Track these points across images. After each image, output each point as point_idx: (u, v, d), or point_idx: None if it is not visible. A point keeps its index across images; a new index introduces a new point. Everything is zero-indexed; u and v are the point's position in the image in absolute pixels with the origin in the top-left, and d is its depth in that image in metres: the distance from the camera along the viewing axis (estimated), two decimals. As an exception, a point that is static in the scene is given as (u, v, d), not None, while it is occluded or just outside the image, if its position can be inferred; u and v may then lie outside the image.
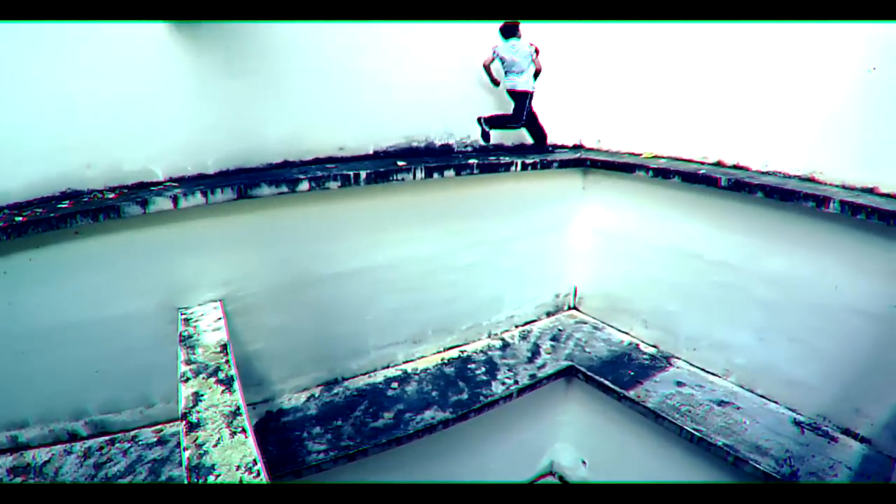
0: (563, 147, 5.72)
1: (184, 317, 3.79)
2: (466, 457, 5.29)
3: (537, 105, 5.28)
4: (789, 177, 4.55)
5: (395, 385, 4.91)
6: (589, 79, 5.86)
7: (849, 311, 4.33)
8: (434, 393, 4.82)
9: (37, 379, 3.65)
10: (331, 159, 4.81)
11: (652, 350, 5.53)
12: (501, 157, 5.05)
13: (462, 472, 5.30)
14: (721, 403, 4.91)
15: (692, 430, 4.60)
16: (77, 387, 3.79)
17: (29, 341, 3.55)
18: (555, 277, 5.92)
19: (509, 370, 5.17)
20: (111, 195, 3.72)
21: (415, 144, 5.04)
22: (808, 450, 4.49)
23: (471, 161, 4.83)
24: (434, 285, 5.04)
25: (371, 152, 4.88)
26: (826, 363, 4.54)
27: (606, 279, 5.77)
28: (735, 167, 4.78)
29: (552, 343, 5.60)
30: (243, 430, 2.43)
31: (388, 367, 5.08)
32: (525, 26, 4.91)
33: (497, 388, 4.92)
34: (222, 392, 2.75)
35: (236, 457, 2.21)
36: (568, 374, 5.32)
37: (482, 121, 5.14)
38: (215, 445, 2.30)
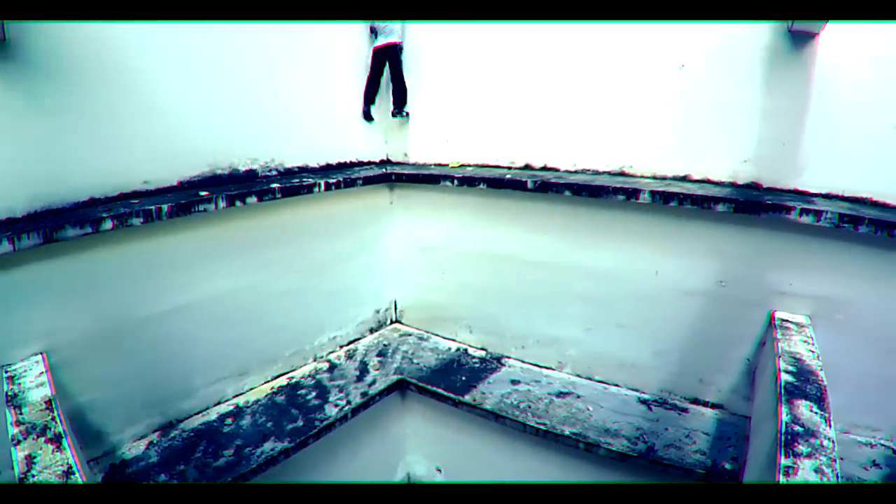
0: (369, 164, 5.56)
1: (8, 374, 3.50)
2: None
3: (337, 124, 5.13)
4: (599, 173, 4.67)
5: (229, 421, 4.66)
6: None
7: (674, 293, 4.49)
8: (269, 424, 4.63)
9: None
10: (136, 194, 4.36)
11: (481, 353, 5.57)
12: (304, 179, 4.84)
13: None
14: (560, 395, 4.93)
15: (536, 425, 4.56)
16: None
17: None
18: (373, 294, 5.80)
19: (340, 391, 5.03)
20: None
21: (219, 172, 4.65)
22: (660, 424, 4.60)
23: (273, 185, 4.58)
24: (253, 316, 4.80)
25: (176, 183, 4.47)
26: (659, 343, 4.70)
27: (425, 289, 5.71)
28: (544, 169, 4.84)
29: (379, 359, 5.51)
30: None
31: (219, 403, 4.81)
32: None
33: (331, 411, 4.79)
34: (53, 451, 2.70)
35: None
36: (399, 387, 5.26)
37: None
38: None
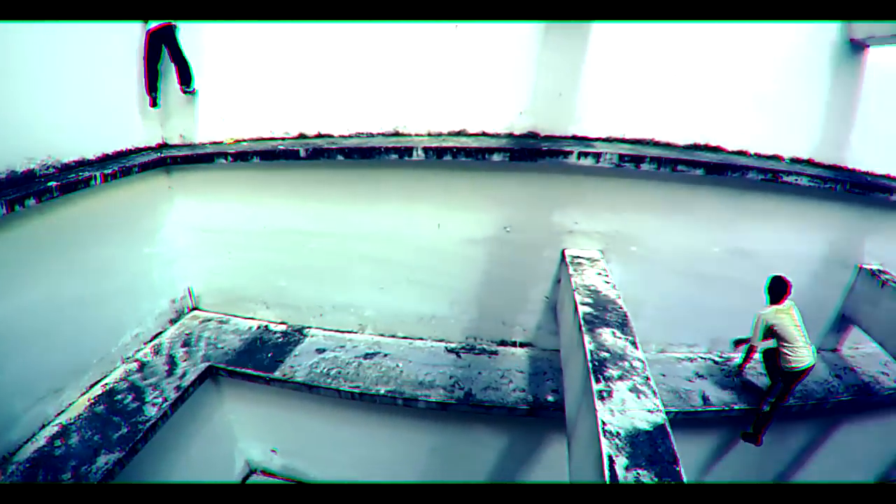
0: (147, 150, 5.15)
1: None
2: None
3: (112, 113, 4.80)
4: (374, 135, 4.54)
5: (58, 443, 4.37)
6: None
7: (460, 243, 4.50)
8: (96, 437, 4.37)
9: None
10: None
11: (282, 328, 5.43)
12: (81, 173, 4.46)
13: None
14: (367, 356, 4.89)
15: (350, 389, 4.49)
16: None
17: None
18: (166, 284, 5.39)
19: (155, 389, 4.80)
20: None
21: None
22: (472, 370, 4.67)
23: (52, 184, 4.20)
24: (52, 328, 4.40)
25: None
26: (454, 292, 4.74)
27: (216, 272, 5.40)
28: (319, 136, 4.64)
29: (185, 349, 5.26)
30: None
31: (44, 426, 4.48)
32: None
33: (151, 412, 4.57)
34: None
35: None
36: (210, 374, 5.04)
37: None
38: None
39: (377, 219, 4.52)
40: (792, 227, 4.85)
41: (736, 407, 4.83)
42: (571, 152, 4.19)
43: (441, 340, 4.93)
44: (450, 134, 4.39)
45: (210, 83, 4.97)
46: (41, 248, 4.26)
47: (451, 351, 4.89)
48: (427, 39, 4.30)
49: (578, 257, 4.49)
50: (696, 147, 4.77)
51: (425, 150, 4.12)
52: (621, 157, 4.26)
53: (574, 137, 4.50)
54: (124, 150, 4.96)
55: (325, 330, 5.26)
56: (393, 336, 5.04)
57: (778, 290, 4.30)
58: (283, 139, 4.75)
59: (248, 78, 4.77)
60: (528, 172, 4.28)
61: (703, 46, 4.57)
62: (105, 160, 4.80)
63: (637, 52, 4.37)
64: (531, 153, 4.18)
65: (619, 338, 3.43)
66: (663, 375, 4.96)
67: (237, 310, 5.59)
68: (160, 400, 4.70)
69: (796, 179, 4.63)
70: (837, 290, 5.52)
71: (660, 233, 4.60)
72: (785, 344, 4.33)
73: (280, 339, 5.28)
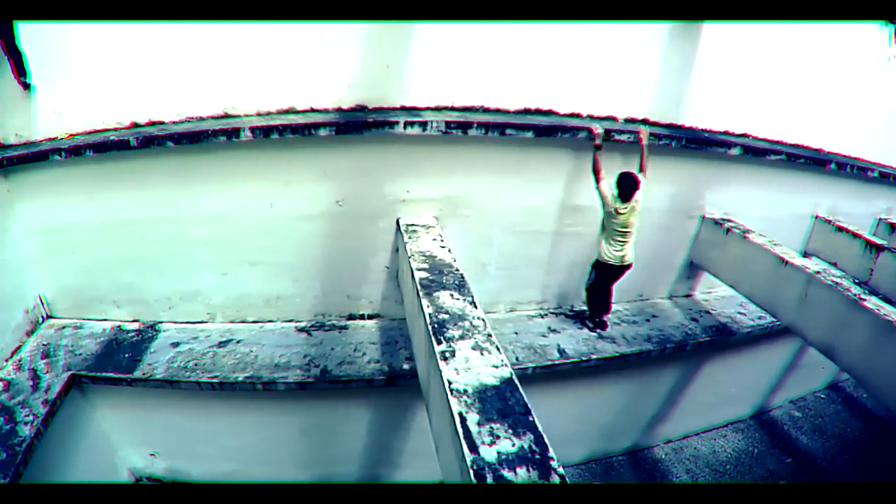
0: None
1: None
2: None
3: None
4: (204, 119, 4.51)
5: None
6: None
7: (294, 221, 4.50)
8: None
9: None
10: None
11: (135, 325, 5.33)
12: None
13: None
14: (221, 345, 4.86)
15: (209, 380, 4.45)
16: None
17: None
18: (15, 294, 5.09)
19: (24, 407, 4.60)
20: None
21: None
22: (325, 346, 4.70)
23: None
24: None
25: None
26: (295, 270, 4.75)
27: (64, 275, 5.16)
28: (151, 124, 4.59)
29: (45, 361, 5.09)
30: None
31: None
32: None
33: (25, 431, 4.34)
34: None
35: None
36: (74, 383, 4.96)
37: None
38: None
39: (212, 203, 4.50)
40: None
41: (595, 357, 5.01)
42: (397, 122, 4.27)
43: (291, 321, 4.95)
44: (279, 112, 4.40)
45: (45, 75, 4.81)
46: None
47: (301, 330, 4.91)
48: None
49: (413, 225, 4.57)
50: (527, 111, 4.92)
51: (252, 129, 4.11)
52: (447, 124, 4.36)
53: (403, 108, 4.57)
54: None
55: (176, 323, 5.19)
56: (243, 321, 5.02)
57: (624, 186, 4.48)
58: (115, 130, 4.66)
59: (81, 67, 4.61)
60: (357, 145, 4.32)
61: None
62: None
63: (462, 21, 4.46)
64: (357, 125, 4.24)
65: (458, 299, 3.50)
66: (516, 333, 5.11)
67: (90, 312, 5.45)
68: (31, 418, 4.49)
69: (629, 137, 4.82)
70: (685, 239, 5.80)
71: (494, 195, 4.73)
72: (608, 235, 4.64)
73: (135, 338, 5.18)
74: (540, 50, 4.80)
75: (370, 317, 4.89)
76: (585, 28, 4.87)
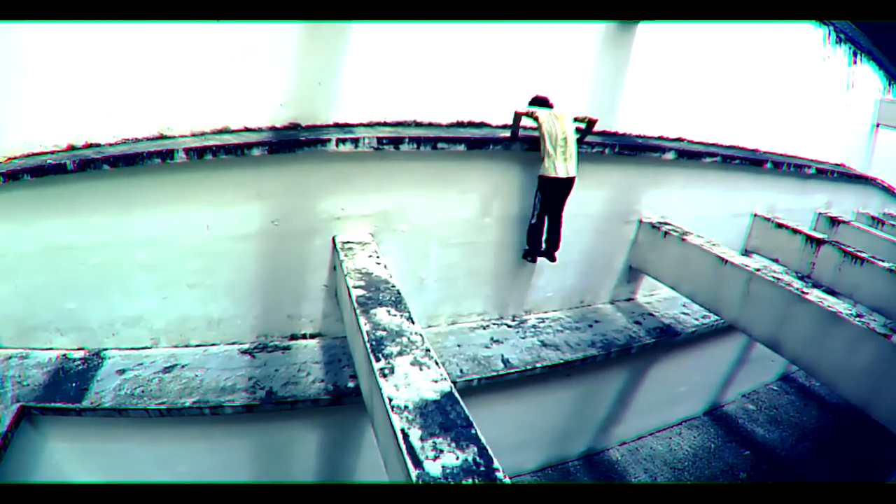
0: None
1: None
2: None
3: None
4: (140, 140, 4.49)
5: None
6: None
7: (231, 241, 4.48)
8: None
9: None
10: None
11: (80, 353, 5.27)
12: None
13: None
14: (166, 370, 4.83)
15: (157, 407, 4.42)
16: None
17: None
18: None
19: None
20: None
21: None
22: (269, 368, 4.70)
23: None
24: None
25: None
26: (234, 292, 4.74)
27: (6, 303, 5.07)
28: (88, 146, 4.54)
29: None
30: None
31: None
32: None
33: None
34: None
35: None
36: (24, 415, 4.90)
37: None
38: None
39: (149, 226, 4.47)
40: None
41: (539, 365, 5.08)
42: (329, 140, 4.31)
43: (234, 343, 4.93)
44: (213, 132, 4.41)
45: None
46: None
47: (245, 352, 4.90)
48: (188, 38, 4.27)
49: (349, 242, 4.61)
50: (460, 124, 5.01)
51: (186, 151, 4.12)
52: (379, 139, 4.42)
53: (336, 125, 4.63)
54: None
55: (121, 349, 5.13)
56: (187, 345, 4.98)
57: (539, 101, 4.71)
58: (53, 153, 4.61)
59: (18, 87, 4.58)
60: (291, 164, 4.35)
61: (465, 25, 4.79)
62: None
63: (396, 35, 4.57)
64: (290, 144, 4.27)
65: (395, 315, 3.54)
66: (459, 346, 5.16)
67: (35, 341, 5.36)
68: (-12, 453, 4.42)
69: (561, 143, 4.91)
70: (623, 244, 5.93)
71: (429, 209, 4.79)
72: (544, 149, 4.66)
73: (81, 366, 5.11)
74: (472, 62, 4.91)
75: (312, 336, 4.90)
76: (517, 38, 5.00)
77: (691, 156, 5.97)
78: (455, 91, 4.96)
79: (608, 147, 5.31)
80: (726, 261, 5.12)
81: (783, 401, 8.29)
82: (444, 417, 2.54)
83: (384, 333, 3.31)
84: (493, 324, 5.60)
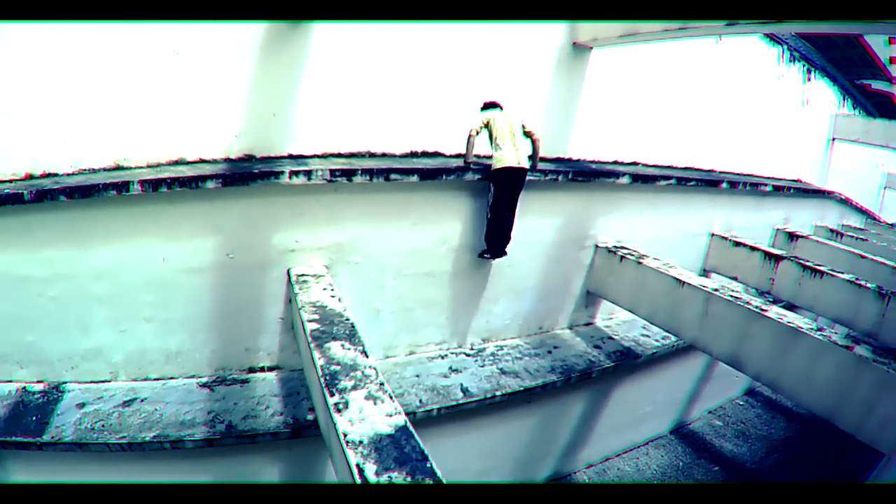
0: None
1: None
2: None
3: None
4: (96, 171, 4.51)
5: None
6: None
7: (187, 274, 4.49)
8: None
9: None
10: None
11: (41, 387, 5.06)
12: None
13: None
14: (125, 404, 4.77)
15: (118, 441, 4.38)
16: None
17: None
18: None
19: None
20: None
21: None
22: (228, 401, 4.68)
23: None
24: None
25: None
26: (191, 325, 4.74)
27: None
28: (45, 176, 4.56)
29: None
30: None
31: None
32: None
33: None
34: None
35: None
36: None
37: None
38: None
39: (106, 258, 4.46)
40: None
41: (499, 393, 5.12)
42: (283, 172, 4.36)
43: (193, 376, 4.92)
44: (169, 163, 4.45)
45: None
46: None
47: (204, 385, 4.88)
48: (145, 68, 4.31)
49: (304, 275, 4.65)
50: (414, 154, 5.11)
51: (142, 183, 4.13)
52: (332, 172, 4.48)
53: (290, 156, 4.71)
54: None
55: (81, 383, 5.08)
56: (146, 379, 4.96)
57: (487, 106, 4.85)
58: (11, 181, 4.61)
59: None
60: (245, 197, 4.40)
61: (420, 55, 4.96)
62: None
63: (349, 67, 4.68)
64: (244, 177, 4.31)
65: (349, 349, 3.57)
66: (417, 376, 5.18)
67: (-6, 376, 5.32)
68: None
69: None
70: (580, 269, 6.03)
71: (383, 240, 4.85)
72: (495, 144, 4.76)
73: (41, 399, 5.05)
74: (426, 92, 5.04)
75: (270, 368, 4.90)
76: (470, 67, 5.12)
77: (646, 179, 6.10)
78: (409, 121, 5.07)
79: (562, 174, 5.42)
80: (683, 282, 5.22)
81: (750, 415, 8.39)
82: (398, 451, 2.56)
83: (338, 368, 3.33)
84: (452, 353, 5.63)
